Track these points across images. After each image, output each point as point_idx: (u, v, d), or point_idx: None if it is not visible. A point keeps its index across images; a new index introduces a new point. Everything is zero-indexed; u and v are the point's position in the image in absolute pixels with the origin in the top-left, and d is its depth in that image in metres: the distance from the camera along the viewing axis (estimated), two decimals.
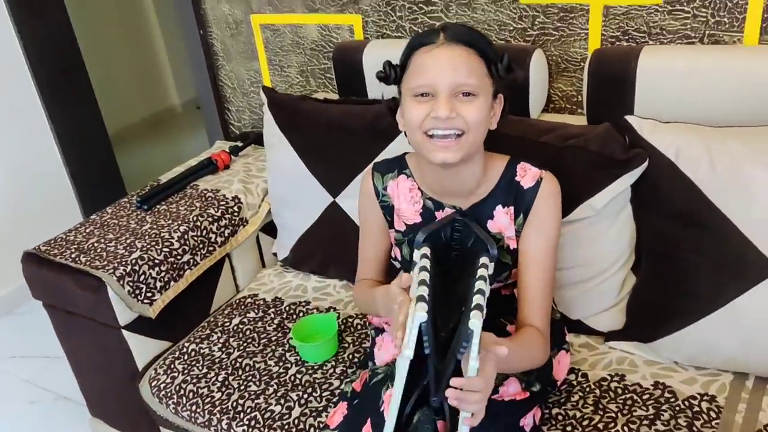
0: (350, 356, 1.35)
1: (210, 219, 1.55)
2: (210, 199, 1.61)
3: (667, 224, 1.20)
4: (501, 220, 1.09)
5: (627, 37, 1.39)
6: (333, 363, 1.34)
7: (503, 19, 1.50)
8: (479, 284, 0.89)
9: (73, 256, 1.43)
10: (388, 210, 1.16)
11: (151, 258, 1.42)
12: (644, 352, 1.26)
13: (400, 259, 1.18)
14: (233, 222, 1.61)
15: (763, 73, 1.21)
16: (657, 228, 1.23)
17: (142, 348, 1.45)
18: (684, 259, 1.18)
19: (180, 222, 1.52)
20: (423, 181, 1.13)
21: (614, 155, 1.24)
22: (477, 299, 0.86)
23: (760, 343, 1.12)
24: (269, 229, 1.72)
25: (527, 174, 1.08)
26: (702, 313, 1.15)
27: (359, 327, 1.43)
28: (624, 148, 1.25)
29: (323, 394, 1.27)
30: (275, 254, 1.73)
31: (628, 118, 1.27)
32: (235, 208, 1.62)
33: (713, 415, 1.12)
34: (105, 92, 2.93)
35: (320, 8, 1.73)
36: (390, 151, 1.44)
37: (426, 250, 0.97)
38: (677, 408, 1.13)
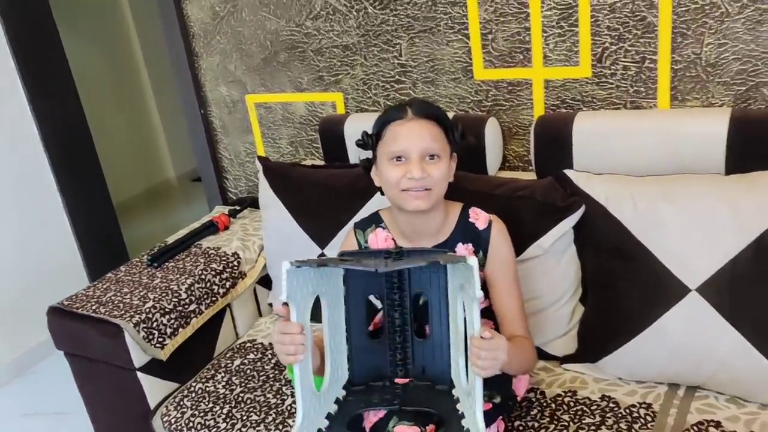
0: None
1: (213, 272, 1.76)
2: (212, 255, 1.82)
3: (603, 258, 1.43)
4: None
5: (565, 105, 1.65)
6: None
7: (462, 93, 1.76)
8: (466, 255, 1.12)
9: (93, 307, 1.63)
10: None
11: (162, 307, 1.62)
12: (593, 371, 1.46)
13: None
14: (233, 275, 1.81)
15: (673, 131, 1.45)
16: (596, 262, 1.45)
17: (154, 388, 1.63)
18: (618, 287, 1.40)
19: (187, 276, 1.72)
20: (395, 229, 1.35)
21: (556, 203, 1.47)
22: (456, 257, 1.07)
23: (684, 355, 1.32)
24: (265, 281, 1.93)
25: (479, 217, 1.31)
26: (635, 332, 1.36)
27: None
28: (564, 196, 1.48)
29: None
30: (270, 304, 1.94)
31: (567, 172, 1.51)
32: (235, 263, 1.83)
33: (649, 419, 1.31)
34: (108, 167, 3.18)
35: (307, 88, 2.00)
36: (369, 207, 1.67)
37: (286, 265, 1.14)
38: (619, 415, 1.32)
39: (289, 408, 1.49)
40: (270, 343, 1.75)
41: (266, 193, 1.85)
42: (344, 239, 1.42)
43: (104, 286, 1.74)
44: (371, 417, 1.23)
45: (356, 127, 1.82)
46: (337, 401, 1.20)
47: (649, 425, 1.29)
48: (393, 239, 1.35)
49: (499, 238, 1.30)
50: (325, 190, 1.75)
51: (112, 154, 3.99)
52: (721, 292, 1.27)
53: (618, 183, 1.43)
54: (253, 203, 2.08)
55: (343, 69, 1.91)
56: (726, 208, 1.29)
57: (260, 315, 1.95)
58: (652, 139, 1.47)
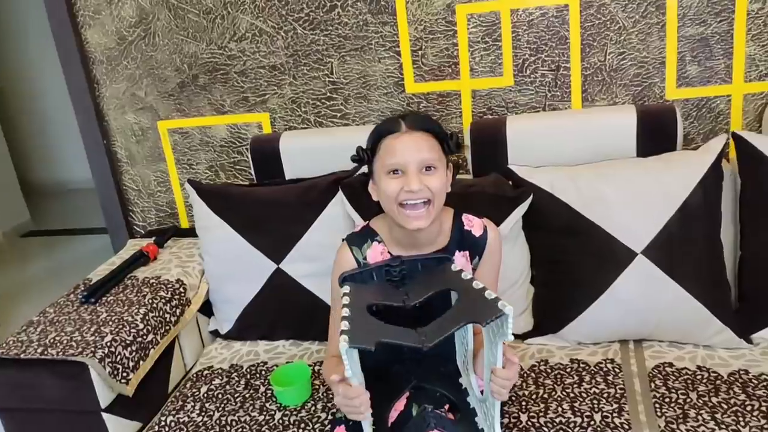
0: (324, 394, 1.54)
1: (163, 300, 1.67)
2: (155, 284, 1.73)
3: (554, 238, 1.61)
4: (460, 263, 1.36)
5: (491, 112, 1.84)
6: (312, 402, 1.52)
7: (393, 107, 1.88)
8: (469, 276, 1.19)
9: (39, 350, 1.46)
10: None
11: (123, 339, 1.51)
12: (554, 341, 1.63)
13: None
14: (181, 302, 1.73)
15: (587, 127, 1.70)
16: (547, 242, 1.64)
17: (122, 430, 1.50)
18: (571, 261, 1.59)
19: (138, 306, 1.62)
20: (392, 241, 1.36)
21: (506, 194, 1.64)
22: (489, 293, 1.12)
23: (635, 313, 1.54)
24: (204, 308, 1.86)
25: (474, 224, 1.38)
26: (592, 299, 1.55)
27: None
28: (511, 188, 1.66)
29: (315, 426, 1.44)
30: (213, 332, 1.87)
31: (511, 167, 1.69)
32: (181, 290, 1.75)
33: (617, 370, 1.50)
34: None
35: (230, 110, 1.99)
36: (325, 218, 1.71)
37: (346, 289, 1.21)
38: (592, 372, 1.50)
39: (281, 422, 1.46)
40: (230, 366, 1.69)
41: (205, 216, 1.80)
42: (338, 257, 1.39)
43: (39, 329, 1.57)
44: (394, 409, 1.26)
45: (291, 144, 1.86)
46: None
47: (619, 375, 1.48)
48: (389, 252, 1.35)
49: (495, 245, 1.38)
50: (274, 205, 1.76)
51: None
52: (662, 252, 1.51)
53: (559, 172, 1.64)
54: (176, 232, 2.00)
55: (270, 89, 1.94)
56: (653, 182, 1.55)
57: (203, 343, 1.87)
58: (575, 135, 1.71)
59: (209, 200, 1.81)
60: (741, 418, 1.31)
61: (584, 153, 1.70)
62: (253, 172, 1.92)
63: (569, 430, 1.34)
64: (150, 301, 1.65)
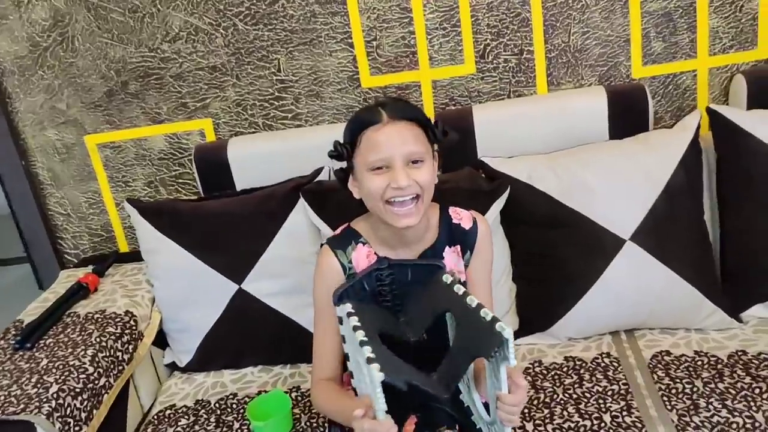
0: (308, 424, 1.40)
1: (113, 337, 1.48)
2: (101, 319, 1.53)
3: (536, 231, 1.53)
4: (450, 259, 1.26)
5: (453, 102, 1.74)
6: None
7: (349, 103, 1.75)
8: (462, 290, 1.08)
9: None
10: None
11: (72, 388, 1.31)
12: (543, 339, 1.54)
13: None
14: (133, 337, 1.54)
15: (557, 112, 1.62)
16: (529, 236, 1.55)
17: None
18: (556, 254, 1.51)
19: (84, 347, 1.42)
20: (377, 241, 1.23)
21: (482, 188, 1.54)
22: (485, 311, 1.02)
23: (626, 301, 1.47)
24: (157, 341, 1.66)
25: (462, 216, 1.28)
26: (583, 291, 1.47)
27: (301, 398, 1.48)
28: (486, 181, 1.56)
29: None
30: (169, 365, 1.68)
31: (483, 158, 1.59)
32: (131, 322, 1.55)
33: (616, 364, 1.43)
34: None
35: (166, 119, 1.80)
36: (287, 229, 1.56)
37: (348, 307, 1.08)
38: (591, 369, 1.42)
39: None
40: (196, 402, 1.52)
41: (151, 237, 1.62)
42: (320, 264, 1.25)
43: None
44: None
45: (241, 151, 1.70)
46: None
47: (619, 369, 1.41)
48: (375, 253, 1.24)
49: (486, 238, 1.29)
50: (229, 219, 1.59)
51: None
52: (650, 236, 1.45)
53: (534, 161, 1.55)
54: (117, 258, 1.80)
55: (212, 92, 1.76)
56: (633, 165, 1.49)
57: (159, 379, 1.67)
58: (545, 121, 1.63)
59: (154, 220, 1.62)
60: (752, 403, 1.26)
61: (555, 139, 1.62)
62: (199, 185, 1.74)
63: None
64: (98, 339, 1.45)
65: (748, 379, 1.33)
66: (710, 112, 1.53)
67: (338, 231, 1.29)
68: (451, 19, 1.66)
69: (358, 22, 1.67)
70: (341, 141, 1.19)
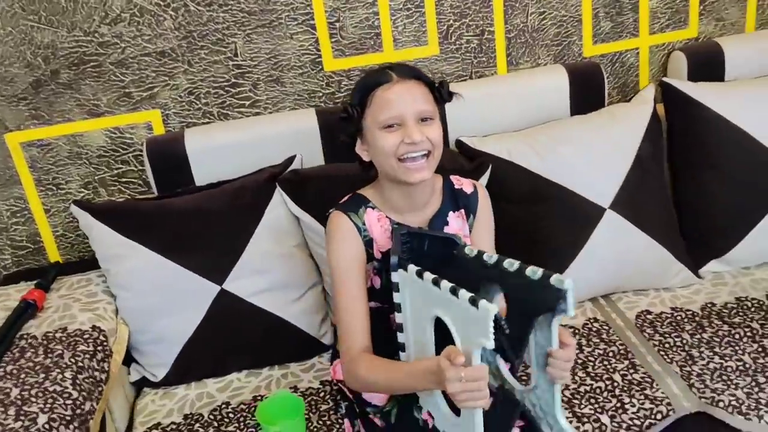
0: (320, 422, 1.33)
1: (87, 356, 1.31)
2: (66, 339, 1.34)
3: (519, 207, 1.56)
4: (455, 224, 1.27)
5: None
6: None
7: (312, 88, 1.68)
8: (495, 257, 1.07)
9: None
10: (369, 244, 1.22)
11: (62, 416, 1.14)
12: None
13: (378, 287, 1.24)
14: (106, 354, 1.37)
15: (522, 91, 1.68)
16: (512, 212, 1.56)
17: None
18: (541, 227, 1.55)
19: (59, 369, 1.24)
20: (386, 206, 1.23)
21: (464, 167, 1.55)
22: (532, 269, 1.02)
23: (609, 267, 1.55)
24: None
25: (463, 182, 1.30)
26: (569, 260, 1.53)
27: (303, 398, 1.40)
28: (467, 161, 1.57)
29: None
30: (136, 383, 1.52)
31: (462, 138, 1.60)
32: (101, 338, 1.38)
33: (606, 327, 1.50)
34: None
35: (106, 111, 1.61)
36: (268, 222, 1.48)
37: (413, 268, 1.08)
38: (584, 334, 1.48)
39: None
40: (185, 416, 1.39)
41: (111, 243, 1.45)
42: (335, 226, 1.21)
43: None
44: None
45: (200, 143, 1.57)
46: None
47: (611, 331, 1.49)
48: (387, 217, 1.22)
49: (486, 203, 1.31)
50: (202, 216, 1.47)
51: None
52: (627, 204, 1.53)
53: (512, 139, 1.58)
54: (61, 270, 1.59)
55: (160, 80, 1.61)
56: (604, 138, 1.57)
57: (126, 399, 1.51)
58: (510, 100, 1.67)
59: (113, 223, 1.45)
60: (737, 347, 1.39)
61: (521, 118, 1.67)
62: (153, 183, 1.58)
63: (599, 396, 1.31)
64: (72, 360, 1.27)
65: (726, 327, 1.45)
66: (664, 85, 1.65)
67: (345, 198, 1.26)
68: (415, 0, 1.64)
69: (321, 2, 1.60)
70: (351, 103, 1.18)
